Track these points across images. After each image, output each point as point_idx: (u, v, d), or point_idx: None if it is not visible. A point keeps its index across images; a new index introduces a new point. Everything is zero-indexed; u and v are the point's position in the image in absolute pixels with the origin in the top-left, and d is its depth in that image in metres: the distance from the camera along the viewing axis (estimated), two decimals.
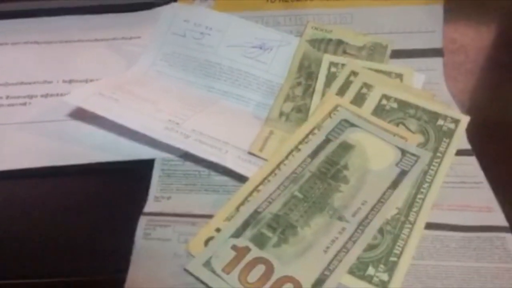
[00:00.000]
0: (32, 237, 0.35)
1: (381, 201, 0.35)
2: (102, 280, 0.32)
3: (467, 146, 0.41)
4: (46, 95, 0.45)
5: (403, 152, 0.38)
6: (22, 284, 0.32)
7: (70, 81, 0.47)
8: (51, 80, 0.47)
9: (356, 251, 0.33)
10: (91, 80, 0.47)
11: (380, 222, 0.34)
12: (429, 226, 0.35)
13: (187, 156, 0.39)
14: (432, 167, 0.38)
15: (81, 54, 0.50)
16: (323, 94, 0.43)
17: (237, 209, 0.35)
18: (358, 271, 0.32)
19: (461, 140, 0.40)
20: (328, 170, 0.37)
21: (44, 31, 0.53)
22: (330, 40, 0.46)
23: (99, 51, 0.51)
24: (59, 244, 0.34)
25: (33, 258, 0.33)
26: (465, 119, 0.40)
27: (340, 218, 0.34)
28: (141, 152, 0.40)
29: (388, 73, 0.44)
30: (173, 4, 0.50)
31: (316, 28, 0.47)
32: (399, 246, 0.33)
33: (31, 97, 0.45)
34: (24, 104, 0.45)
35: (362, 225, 0.34)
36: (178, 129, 0.39)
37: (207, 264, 0.31)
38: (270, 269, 0.31)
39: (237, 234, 0.33)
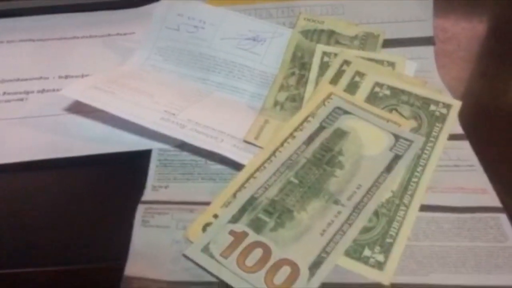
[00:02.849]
0: (33, 228, 0.35)
1: (376, 185, 0.36)
2: (102, 268, 0.33)
3: (460, 130, 0.41)
4: (42, 91, 0.46)
5: (397, 137, 0.39)
6: (24, 273, 0.33)
7: (66, 77, 0.48)
8: (47, 76, 0.47)
9: (352, 233, 0.33)
10: (87, 76, 0.47)
11: (375, 205, 0.35)
12: (424, 208, 0.35)
13: (183, 146, 0.40)
14: (425, 151, 0.38)
15: (76, 51, 0.51)
16: (317, 83, 0.43)
17: (234, 195, 0.35)
18: (354, 253, 0.32)
19: (453, 124, 0.40)
20: (323, 156, 0.37)
21: (39, 29, 0.54)
22: (322, 31, 0.47)
23: (94, 47, 0.51)
24: (60, 233, 0.35)
25: (34, 247, 0.34)
26: (457, 104, 0.41)
27: (336, 202, 0.35)
28: (138, 143, 0.40)
29: (380, 62, 0.44)
30: None
31: (308, 19, 0.48)
32: (394, 228, 0.34)
33: (27, 93, 0.46)
34: (21, 99, 0.45)
35: (358, 208, 0.34)
36: (174, 119, 0.39)
37: (206, 249, 0.32)
38: (267, 252, 0.32)
39: (235, 219, 0.33)
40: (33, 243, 0.34)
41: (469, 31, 0.54)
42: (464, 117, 0.42)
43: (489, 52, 0.52)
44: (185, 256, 0.32)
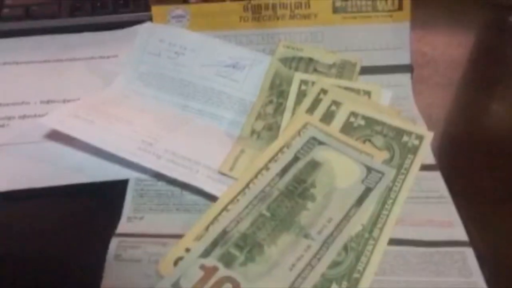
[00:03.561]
0: (6, 258, 0.36)
1: (346, 218, 0.37)
2: None
3: (432, 160, 0.42)
4: (23, 116, 0.46)
5: (369, 169, 0.40)
6: None
7: (48, 102, 0.48)
8: (29, 101, 0.48)
9: (321, 268, 0.34)
10: (69, 101, 0.48)
11: (344, 239, 0.35)
12: (392, 242, 0.36)
13: (160, 175, 0.40)
14: (396, 184, 0.39)
15: (59, 74, 0.52)
16: (294, 112, 0.44)
17: (207, 228, 0.36)
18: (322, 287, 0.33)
19: (425, 156, 0.41)
20: (296, 188, 0.38)
21: (24, 51, 0.54)
22: (301, 58, 0.48)
23: (77, 70, 0.52)
24: (33, 264, 0.35)
25: (5, 279, 0.34)
26: (429, 135, 0.42)
27: (306, 236, 0.35)
28: (116, 172, 0.41)
29: (356, 91, 0.45)
30: (148, 23, 0.51)
31: (287, 46, 0.48)
32: (362, 262, 0.34)
33: (9, 118, 0.46)
34: (3, 126, 0.45)
35: (327, 242, 0.35)
36: (151, 150, 0.40)
37: (176, 284, 0.33)
38: (236, 287, 0.32)
39: (206, 253, 0.34)
40: (3, 274, 0.35)
41: (448, 56, 0.55)
42: (437, 146, 0.43)
43: (467, 78, 0.53)
44: None
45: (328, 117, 0.43)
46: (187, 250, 0.35)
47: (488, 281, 0.34)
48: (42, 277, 0.35)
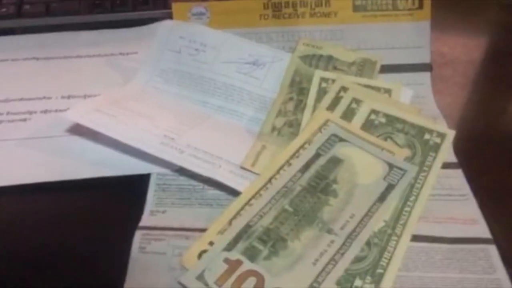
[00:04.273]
0: (31, 251, 0.36)
1: (369, 214, 0.37)
2: None
3: (453, 159, 0.42)
4: (45, 111, 0.47)
5: (391, 166, 0.39)
6: None
7: (69, 97, 0.48)
8: (50, 96, 0.48)
9: (344, 263, 0.34)
10: (89, 96, 0.48)
11: (367, 235, 0.35)
12: (415, 238, 0.36)
13: (182, 170, 0.41)
14: (418, 181, 0.39)
15: (79, 70, 0.52)
16: (314, 109, 0.44)
17: (230, 222, 0.36)
18: (345, 282, 0.33)
19: (447, 154, 0.41)
20: (318, 184, 0.38)
21: (43, 47, 0.54)
22: (321, 56, 0.48)
23: (97, 66, 0.52)
24: (57, 257, 0.35)
25: (31, 271, 0.34)
26: (450, 134, 0.42)
27: (329, 231, 0.35)
28: (138, 167, 0.41)
29: (377, 89, 0.45)
30: (169, 21, 0.51)
31: (307, 44, 0.49)
32: (385, 258, 0.34)
33: (31, 113, 0.47)
34: (24, 120, 0.46)
35: (350, 238, 0.35)
36: (173, 144, 0.40)
37: (200, 277, 0.33)
38: (261, 281, 0.33)
39: (230, 247, 0.34)
40: (29, 266, 0.35)
41: (467, 56, 0.55)
42: (458, 145, 0.43)
43: (485, 78, 0.53)
44: (180, 283, 0.33)
45: (348, 114, 0.43)
46: (211, 243, 0.35)
47: None
48: (66, 270, 0.35)
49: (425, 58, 0.49)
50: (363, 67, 0.47)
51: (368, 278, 0.33)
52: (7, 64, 0.52)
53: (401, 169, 0.39)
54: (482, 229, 0.37)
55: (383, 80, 0.47)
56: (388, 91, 0.45)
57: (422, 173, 0.39)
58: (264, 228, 0.35)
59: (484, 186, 0.40)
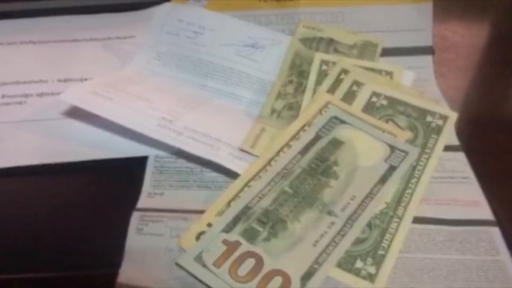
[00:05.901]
0: (27, 233, 0.35)
1: (370, 196, 0.36)
2: (95, 275, 0.33)
3: (455, 141, 0.41)
4: (41, 94, 0.46)
5: (392, 148, 0.39)
6: (16, 279, 0.33)
7: (65, 80, 0.48)
8: (46, 79, 0.48)
9: (345, 244, 0.33)
10: (86, 79, 0.47)
11: (368, 217, 0.35)
12: (417, 220, 0.35)
13: (179, 153, 0.40)
14: (420, 163, 0.38)
15: (76, 54, 0.51)
16: (314, 92, 0.43)
17: (228, 204, 0.35)
18: (346, 264, 0.33)
19: (449, 136, 0.40)
20: (318, 166, 0.38)
21: (40, 31, 0.54)
22: (321, 38, 0.47)
23: (94, 50, 0.51)
24: (54, 239, 0.35)
25: (28, 253, 0.34)
26: (453, 116, 0.41)
27: (330, 213, 0.35)
28: (135, 149, 0.41)
29: (378, 71, 0.45)
30: (167, 4, 0.50)
31: (307, 27, 0.48)
32: (386, 240, 0.34)
33: (26, 96, 0.46)
34: (20, 103, 0.45)
35: (351, 219, 0.35)
36: (171, 127, 0.40)
37: (198, 258, 0.32)
38: (259, 262, 0.32)
39: (228, 229, 0.34)
40: (26, 248, 0.34)
41: (469, 39, 0.54)
42: (460, 128, 0.42)
43: (488, 62, 0.52)
44: (178, 264, 0.32)
45: (349, 96, 0.43)
46: (209, 225, 0.34)
47: None
48: (64, 251, 0.34)
49: (427, 41, 0.48)
50: (364, 50, 0.47)
51: (369, 260, 0.33)
52: (3, 48, 0.51)
53: (402, 151, 0.39)
54: (484, 211, 0.36)
55: (384, 63, 0.46)
56: (389, 74, 0.45)
57: (424, 155, 0.39)
58: (263, 210, 0.35)
59: (487, 168, 0.40)
